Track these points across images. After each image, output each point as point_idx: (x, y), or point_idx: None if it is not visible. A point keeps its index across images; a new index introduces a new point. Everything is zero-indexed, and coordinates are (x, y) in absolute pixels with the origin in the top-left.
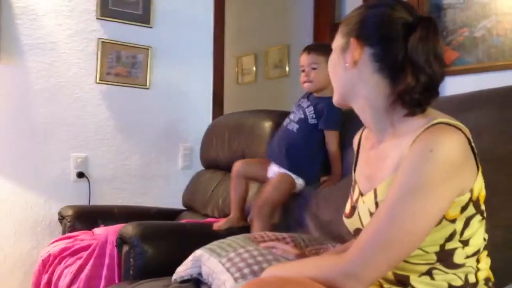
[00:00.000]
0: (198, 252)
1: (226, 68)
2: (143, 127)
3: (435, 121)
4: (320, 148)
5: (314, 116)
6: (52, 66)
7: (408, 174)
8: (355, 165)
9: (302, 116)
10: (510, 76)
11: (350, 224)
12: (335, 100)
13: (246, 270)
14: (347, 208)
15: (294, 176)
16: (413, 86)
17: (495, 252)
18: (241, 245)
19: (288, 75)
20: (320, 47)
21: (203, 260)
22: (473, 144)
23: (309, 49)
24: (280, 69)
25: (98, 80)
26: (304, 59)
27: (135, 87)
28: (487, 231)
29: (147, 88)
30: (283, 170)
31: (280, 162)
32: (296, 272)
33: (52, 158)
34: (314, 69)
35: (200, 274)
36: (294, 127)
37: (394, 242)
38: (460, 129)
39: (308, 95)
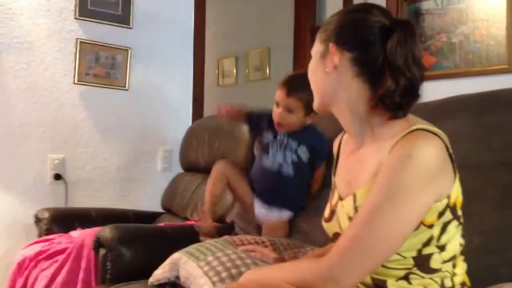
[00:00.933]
0: (176, 255)
1: (207, 70)
2: (122, 128)
3: (414, 127)
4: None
5: (308, 155)
6: (29, 66)
7: (387, 180)
8: (335, 169)
9: (296, 159)
10: (486, 81)
11: (329, 228)
12: (316, 106)
13: (224, 274)
14: (326, 213)
15: (289, 214)
16: (393, 90)
17: (472, 258)
18: (219, 248)
19: (269, 78)
20: (301, 87)
21: (181, 263)
22: (451, 151)
23: (287, 90)
24: (261, 72)
25: (76, 81)
26: (281, 98)
27: (114, 88)
28: (463, 236)
29: (126, 90)
30: (276, 214)
31: (277, 207)
32: (274, 276)
33: (28, 160)
34: (290, 111)
35: (177, 277)
36: (289, 171)
37: (373, 248)
38: (438, 136)
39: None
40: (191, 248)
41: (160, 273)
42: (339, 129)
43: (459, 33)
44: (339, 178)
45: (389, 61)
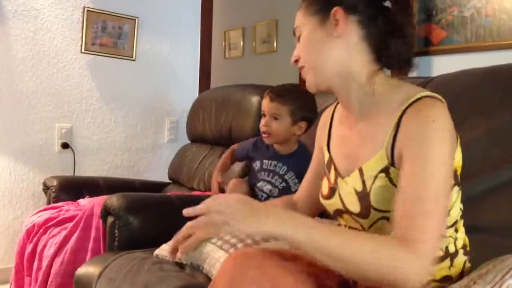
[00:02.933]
0: None
1: (213, 42)
2: (129, 99)
3: (418, 95)
4: None
5: (296, 182)
6: (35, 34)
7: (420, 145)
8: (328, 143)
9: (284, 185)
10: (497, 56)
11: (329, 205)
12: (312, 84)
13: (240, 245)
14: (325, 189)
15: None
16: (399, 48)
17: None
18: None
19: (276, 51)
20: (285, 94)
21: None
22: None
23: (271, 96)
24: (268, 45)
25: (83, 50)
26: (266, 106)
27: (121, 58)
28: (462, 201)
29: (133, 60)
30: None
31: None
32: (331, 243)
33: (36, 128)
34: (276, 119)
35: (180, 259)
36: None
37: (438, 195)
38: (442, 101)
39: (267, 146)
40: None
41: (168, 251)
42: None
43: (471, 7)
44: (337, 153)
45: (390, 20)
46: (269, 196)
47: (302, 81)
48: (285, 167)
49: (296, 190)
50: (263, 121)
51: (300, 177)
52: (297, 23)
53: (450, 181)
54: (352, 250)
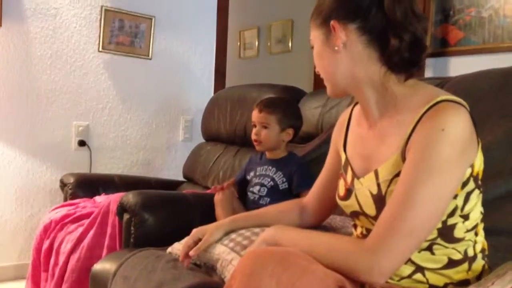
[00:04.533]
0: None
1: (228, 42)
2: (145, 97)
3: (438, 99)
4: None
5: (284, 180)
6: (54, 32)
7: (421, 156)
8: (345, 144)
9: (272, 183)
10: None
11: (346, 206)
12: (332, 92)
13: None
14: (341, 190)
15: None
16: (398, 47)
17: None
18: None
19: (290, 51)
20: (272, 105)
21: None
22: (474, 119)
23: (260, 107)
24: (283, 44)
25: (100, 49)
26: (256, 116)
27: (138, 57)
28: (482, 204)
29: (150, 59)
30: None
31: None
32: (303, 243)
33: (53, 126)
34: (265, 127)
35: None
36: (265, 200)
37: (414, 227)
38: (462, 105)
39: (260, 156)
40: None
41: (179, 249)
42: None
43: (489, 7)
44: (353, 154)
45: (389, 21)
46: (260, 197)
47: (317, 80)
48: (274, 169)
49: (283, 189)
50: (254, 130)
51: (288, 177)
52: (311, 35)
53: (449, 193)
54: (318, 249)
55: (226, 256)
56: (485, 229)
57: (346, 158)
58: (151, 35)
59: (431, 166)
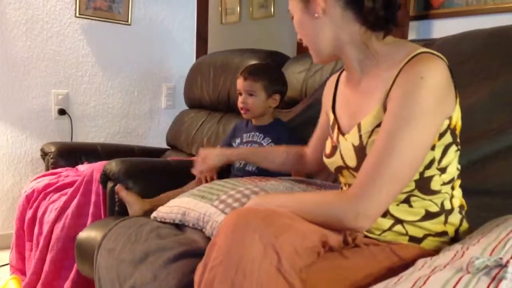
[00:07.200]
0: (185, 199)
1: (209, 8)
2: (126, 65)
3: (417, 51)
4: None
5: (272, 146)
6: None
7: (402, 103)
8: (333, 106)
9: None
10: (498, 19)
11: (331, 163)
12: (318, 59)
13: None
14: (328, 148)
15: None
16: (372, 7)
17: None
18: (230, 187)
19: (273, 16)
20: (257, 72)
21: (191, 206)
22: (452, 74)
23: (245, 75)
24: (265, 9)
25: (77, 14)
26: (241, 85)
27: (116, 23)
28: (459, 162)
29: (129, 24)
30: None
31: None
32: (289, 205)
33: (32, 95)
34: (251, 95)
35: (181, 221)
36: (252, 167)
37: (397, 172)
38: (441, 58)
39: (246, 123)
40: (201, 190)
41: (166, 212)
42: None
43: None
44: (341, 113)
45: None
46: (246, 163)
47: (300, 45)
48: (262, 135)
49: None
50: (240, 98)
51: (277, 142)
52: (289, 6)
53: (428, 140)
54: (306, 208)
55: (216, 218)
56: (468, 190)
57: (335, 118)
58: (130, 0)
59: (411, 113)
